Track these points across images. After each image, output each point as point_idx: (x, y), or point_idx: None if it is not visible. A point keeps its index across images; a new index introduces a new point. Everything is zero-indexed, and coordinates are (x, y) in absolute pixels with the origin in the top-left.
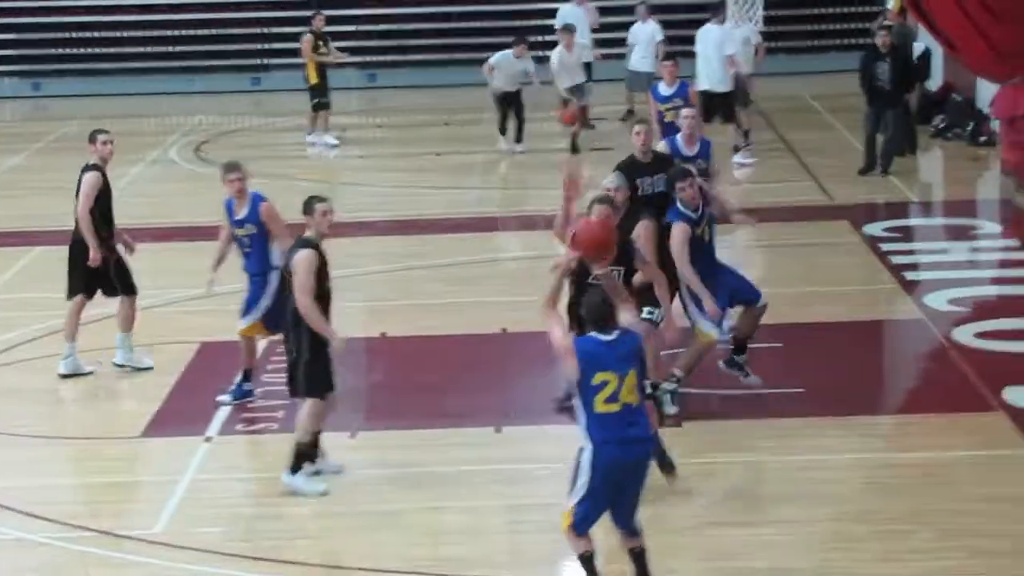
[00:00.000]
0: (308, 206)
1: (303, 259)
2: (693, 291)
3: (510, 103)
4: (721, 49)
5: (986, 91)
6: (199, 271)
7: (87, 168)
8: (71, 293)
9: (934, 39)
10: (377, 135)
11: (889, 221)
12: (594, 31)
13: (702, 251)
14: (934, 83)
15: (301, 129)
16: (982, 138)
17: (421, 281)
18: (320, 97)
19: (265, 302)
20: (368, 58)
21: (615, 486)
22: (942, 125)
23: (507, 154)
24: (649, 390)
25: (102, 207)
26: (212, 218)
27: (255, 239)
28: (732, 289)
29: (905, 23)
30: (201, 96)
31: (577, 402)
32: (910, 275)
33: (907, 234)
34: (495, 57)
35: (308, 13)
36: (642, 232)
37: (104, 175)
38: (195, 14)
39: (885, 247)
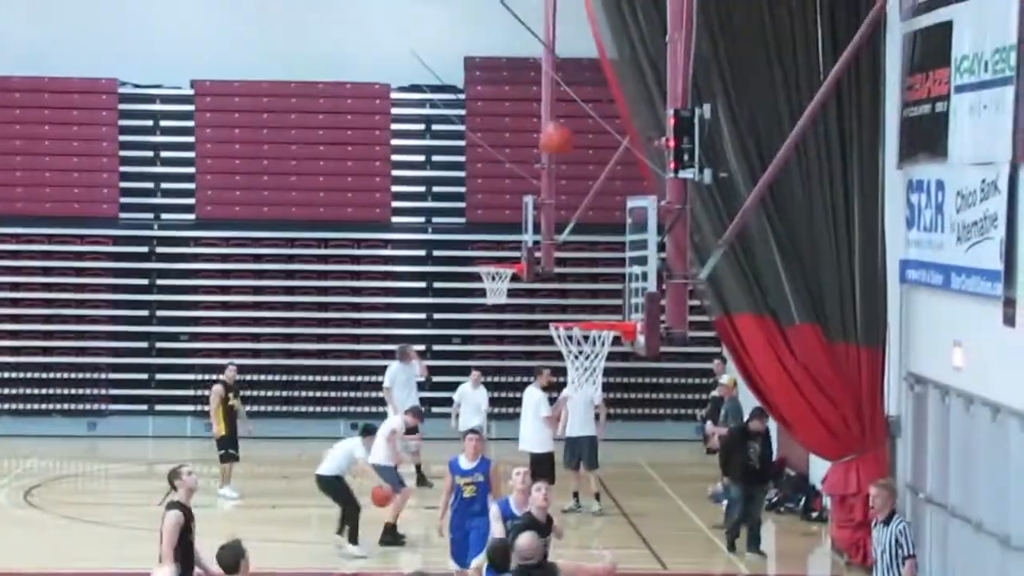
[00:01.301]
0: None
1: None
2: None
3: (332, 493)
4: (538, 411)
5: (819, 467)
6: None
7: (170, 506)
8: None
9: (769, 415)
10: (212, 485)
11: None
12: (423, 387)
13: None
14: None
15: (134, 476)
16: (814, 513)
17: None
18: (228, 448)
19: None
20: (197, 407)
21: None
22: (775, 498)
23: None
24: None
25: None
26: (39, 564)
27: None
28: None
29: (736, 398)
30: (35, 439)
31: None
32: None
33: None
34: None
35: (148, 360)
36: None
37: (186, 513)
38: (33, 357)
39: None
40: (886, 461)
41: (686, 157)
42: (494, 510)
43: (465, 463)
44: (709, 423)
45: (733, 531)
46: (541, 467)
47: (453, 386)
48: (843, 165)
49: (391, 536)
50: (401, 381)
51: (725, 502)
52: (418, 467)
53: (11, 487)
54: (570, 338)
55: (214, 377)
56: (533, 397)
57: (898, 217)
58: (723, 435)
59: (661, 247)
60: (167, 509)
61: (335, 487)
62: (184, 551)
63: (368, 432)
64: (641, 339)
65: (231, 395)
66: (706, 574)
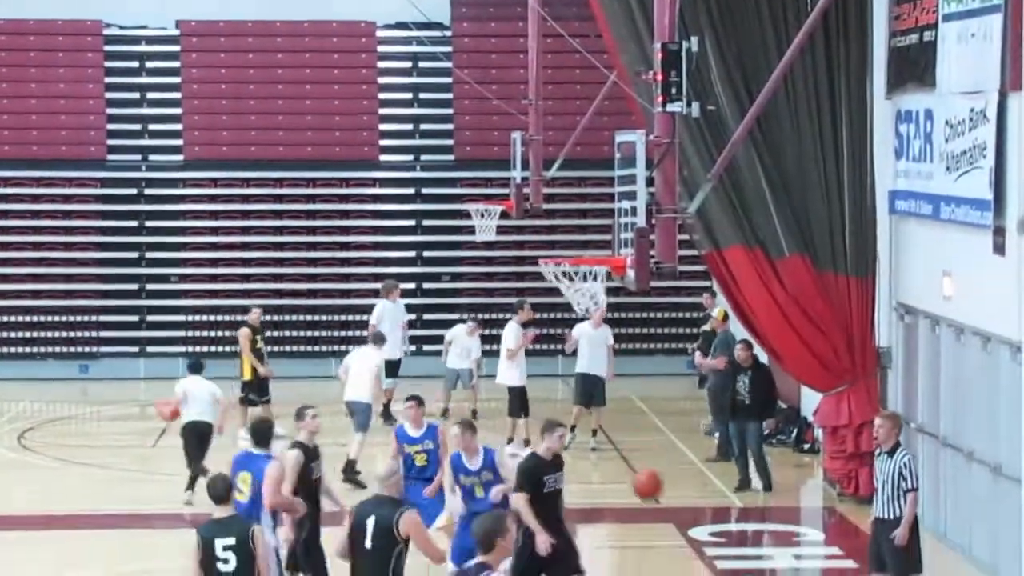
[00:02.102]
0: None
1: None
2: None
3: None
4: (505, 343)
5: (810, 399)
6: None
7: (292, 445)
8: None
9: (760, 347)
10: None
11: (714, 525)
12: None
13: None
14: None
15: (126, 418)
16: (806, 445)
17: None
18: (250, 393)
19: None
20: (188, 348)
21: None
22: (767, 431)
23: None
24: None
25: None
26: (33, 506)
27: None
28: None
29: (728, 330)
30: (27, 382)
31: None
32: None
33: (732, 539)
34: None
35: (138, 302)
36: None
37: (307, 452)
38: (23, 300)
39: (710, 551)
40: (877, 392)
41: (674, 91)
42: (445, 466)
43: (412, 431)
44: (698, 354)
45: (744, 468)
46: (514, 400)
47: (443, 323)
48: (831, 96)
49: (351, 473)
50: (388, 319)
51: (717, 434)
52: (388, 402)
53: (4, 430)
54: (564, 274)
55: (205, 319)
56: (510, 331)
57: (887, 147)
58: (718, 370)
59: (650, 182)
60: (289, 448)
61: (206, 436)
62: (307, 489)
63: (197, 368)
64: (631, 274)
65: (258, 337)
66: (699, 507)
